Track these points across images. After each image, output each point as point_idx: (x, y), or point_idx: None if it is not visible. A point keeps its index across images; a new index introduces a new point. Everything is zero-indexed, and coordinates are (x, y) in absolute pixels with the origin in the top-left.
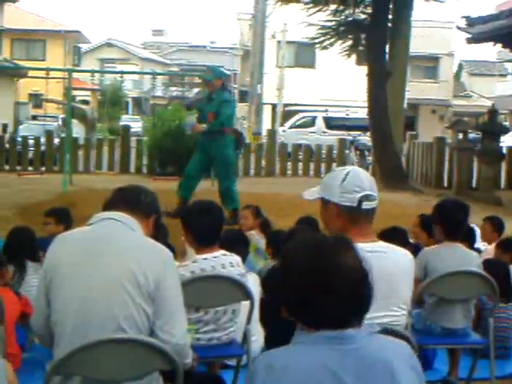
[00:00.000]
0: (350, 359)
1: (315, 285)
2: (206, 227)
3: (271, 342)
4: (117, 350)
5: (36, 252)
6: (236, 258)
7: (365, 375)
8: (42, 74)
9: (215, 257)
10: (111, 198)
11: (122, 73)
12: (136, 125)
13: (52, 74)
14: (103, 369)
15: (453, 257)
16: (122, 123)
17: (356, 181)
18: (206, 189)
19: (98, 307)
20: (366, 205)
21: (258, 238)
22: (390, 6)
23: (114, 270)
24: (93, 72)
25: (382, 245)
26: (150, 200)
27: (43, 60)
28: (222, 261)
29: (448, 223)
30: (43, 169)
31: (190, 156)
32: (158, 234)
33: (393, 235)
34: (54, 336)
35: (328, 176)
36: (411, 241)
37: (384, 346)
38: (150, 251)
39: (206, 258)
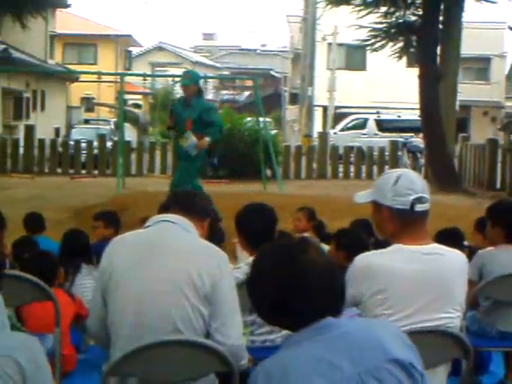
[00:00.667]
0: (340, 344)
1: (287, 287)
2: (260, 229)
3: None
4: (173, 352)
5: (90, 254)
6: None
7: (358, 356)
8: (94, 78)
9: None
10: (167, 201)
11: (174, 76)
12: None
13: (104, 78)
14: (159, 370)
15: (511, 259)
16: None
17: (408, 183)
18: (258, 191)
19: (154, 309)
20: (418, 207)
21: None
22: (441, 8)
23: (170, 272)
24: (145, 76)
25: (436, 247)
26: (204, 203)
27: (95, 64)
28: None
29: (505, 225)
30: (96, 172)
31: (240, 159)
32: (213, 237)
33: (447, 237)
34: (110, 337)
35: (380, 179)
36: (466, 243)
37: (369, 324)
38: (205, 253)
39: None
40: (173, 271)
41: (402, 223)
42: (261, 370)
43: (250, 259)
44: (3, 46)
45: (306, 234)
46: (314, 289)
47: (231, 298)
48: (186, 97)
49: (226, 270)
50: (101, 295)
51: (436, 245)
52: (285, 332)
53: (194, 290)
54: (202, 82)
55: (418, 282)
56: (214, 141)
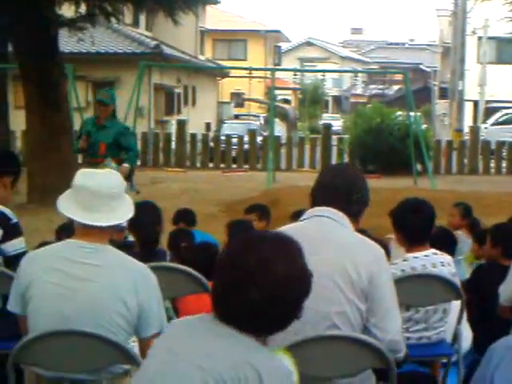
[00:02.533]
0: None
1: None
2: (418, 226)
3: (479, 341)
4: (330, 347)
5: None
6: (447, 258)
7: None
8: (244, 73)
9: (426, 255)
10: (322, 195)
11: (323, 71)
12: (336, 123)
13: (253, 73)
14: (317, 365)
15: None
16: (322, 121)
17: None
18: (409, 187)
19: (311, 303)
20: None
21: (464, 239)
22: None
23: (326, 267)
24: (295, 71)
25: None
26: (358, 196)
27: (244, 60)
28: (433, 260)
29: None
30: (246, 167)
31: (390, 154)
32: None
33: None
34: None
35: None
36: None
37: None
38: (362, 248)
39: (416, 257)
40: (329, 265)
41: None
42: (503, 342)
43: (407, 255)
44: (155, 42)
45: (459, 232)
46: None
47: (389, 292)
48: (100, 117)
49: (384, 265)
50: None
51: None
52: (441, 329)
53: (350, 285)
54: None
55: None
56: (131, 167)
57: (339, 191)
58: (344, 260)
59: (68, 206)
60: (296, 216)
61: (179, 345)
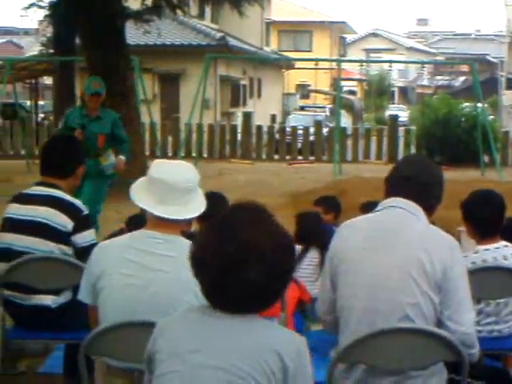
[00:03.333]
0: None
1: None
2: (489, 217)
3: None
4: (403, 339)
5: (322, 237)
6: None
7: None
8: (310, 64)
9: (497, 248)
10: (399, 186)
11: (389, 62)
12: (402, 114)
13: (319, 64)
14: (388, 358)
15: None
16: (388, 113)
17: None
18: (477, 178)
19: (384, 295)
20: None
21: None
22: None
23: (400, 258)
24: (361, 62)
25: None
26: (436, 189)
27: (309, 51)
28: (504, 252)
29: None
30: (312, 158)
31: (457, 145)
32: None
33: None
34: (338, 322)
35: None
36: None
37: None
38: (436, 240)
39: (487, 249)
40: (404, 257)
41: None
42: None
43: (478, 247)
44: (221, 34)
45: None
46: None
47: (463, 285)
48: (90, 108)
49: (458, 257)
50: (330, 279)
51: None
52: None
53: (424, 277)
54: (417, 67)
55: None
56: (127, 160)
57: (418, 183)
58: (418, 252)
59: (142, 197)
60: (365, 207)
61: (189, 351)
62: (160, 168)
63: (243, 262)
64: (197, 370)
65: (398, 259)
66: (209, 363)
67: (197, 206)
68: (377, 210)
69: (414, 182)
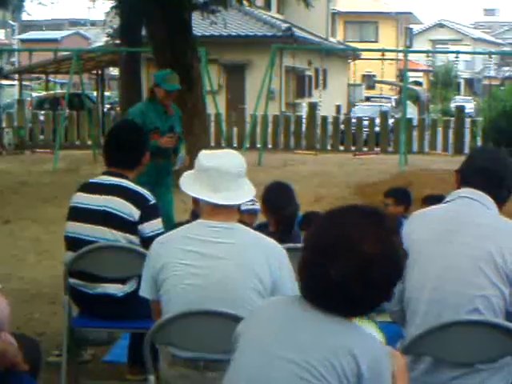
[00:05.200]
0: None
1: None
2: None
3: None
4: (471, 332)
5: None
6: None
7: None
8: (375, 55)
9: None
10: (472, 177)
11: (456, 52)
12: (468, 105)
13: (385, 55)
14: (456, 350)
15: None
16: (454, 104)
17: None
18: None
19: (453, 286)
20: None
21: None
22: None
23: (471, 250)
24: (428, 52)
25: None
26: (508, 181)
27: (375, 42)
28: None
29: None
30: (378, 149)
31: None
32: None
33: None
34: (405, 314)
35: None
36: None
37: None
38: (507, 231)
39: None
40: (474, 248)
41: None
42: None
43: None
44: (286, 25)
45: None
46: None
47: None
48: (166, 104)
49: None
50: None
51: None
52: None
53: (494, 269)
54: (484, 58)
55: None
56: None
57: (492, 175)
58: (489, 243)
59: (194, 187)
60: (428, 200)
61: (270, 338)
62: (209, 156)
63: (334, 257)
64: (271, 358)
65: (467, 250)
66: (284, 354)
67: (248, 191)
68: (447, 200)
69: (488, 174)
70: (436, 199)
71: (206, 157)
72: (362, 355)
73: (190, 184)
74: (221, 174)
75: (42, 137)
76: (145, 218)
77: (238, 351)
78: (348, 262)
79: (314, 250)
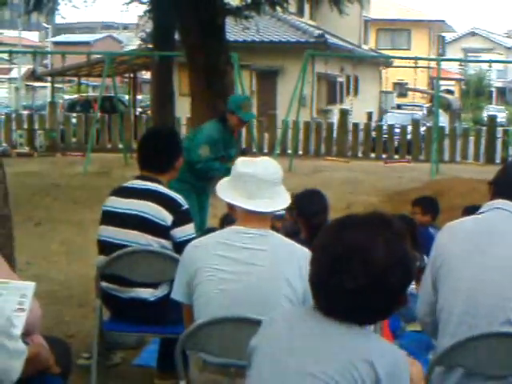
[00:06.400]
0: None
1: None
2: None
3: None
4: (503, 344)
5: (416, 239)
6: None
7: None
8: (408, 63)
9: None
10: (506, 188)
11: (489, 61)
12: (500, 115)
13: (417, 63)
14: (488, 362)
15: None
16: (486, 113)
17: None
18: None
19: (486, 298)
20: None
21: None
22: None
23: (504, 261)
24: (460, 61)
25: None
26: None
27: (407, 49)
28: None
29: None
30: (409, 157)
31: None
32: None
33: None
34: (438, 324)
35: None
36: None
37: None
38: None
39: None
40: (507, 260)
41: None
42: None
43: None
44: (319, 32)
45: None
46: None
47: None
48: (234, 131)
49: None
50: (431, 281)
51: None
52: None
53: None
54: None
55: None
56: None
57: None
58: None
59: (231, 193)
60: (468, 211)
61: (284, 352)
62: (246, 163)
63: (346, 266)
64: (288, 372)
65: (500, 262)
66: (301, 368)
67: (284, 199)
68: (481, 211)
69: None
70: (477, 210)
71: (242, 163)
72: (378, 362)
73: (226, 190)
74: (256, 181)
75: (73, 139)
76: (177, 223)
77: (254, 366)
78: (363, 272)
79: (327, 260)
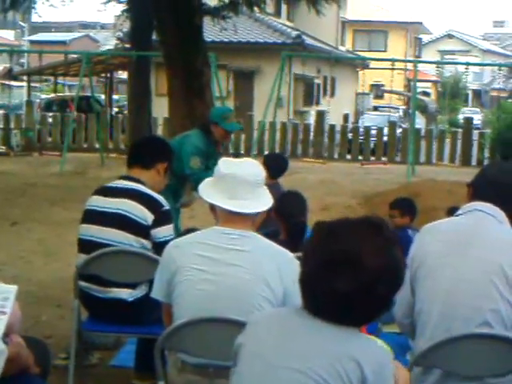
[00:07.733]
0: None
1: None
2: None
3: None
4: (481, 346)
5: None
6: None
7: None
8: (384, 65)
9: None
10: (485, 190)
11: (466, 64)
12: (476, 117)
13: (394, 65)
14: (466, 364)
15: None
16: (462, 115)
17: None
18: None
19: (464, 299)
20: None
21: None
22: None
23: (482, 263)
24: (437, 63)
25: None
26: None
27: (384, 51)
28: None
29: None
30: (385, 159)
31: None
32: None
33: None
34: (415, 326)
35: None
36: None
37: None
38: None
39: None
40: (485, 262)
41: None
42: None
43: None
44: (296, 33)
45: None
46: None
47: None
48: (218, 142)
49: None
50: (409, 283)
51: None
52: None
53: (505, 283)
54: (492, 70)
55: None
56: None
57: (504, 189)
58: (500, 257)
59: (212, 193)
60: (451, 212)
61: (271, 350)
62: (229, 164)
63: (337, 270)
64: (274, 369)
65: (478, 264)
66: (287, 364)
67: (266, 200)
68: (459, 213)
69: (500, 188)
70: None
71: (224, 164)
72: (365, 361)
73: (208, 190)
74: (238, 182)
75: (49, 139)
76: (158, 222)
77: (240, 363)
78: (353, 277)
79: (317, 264)
